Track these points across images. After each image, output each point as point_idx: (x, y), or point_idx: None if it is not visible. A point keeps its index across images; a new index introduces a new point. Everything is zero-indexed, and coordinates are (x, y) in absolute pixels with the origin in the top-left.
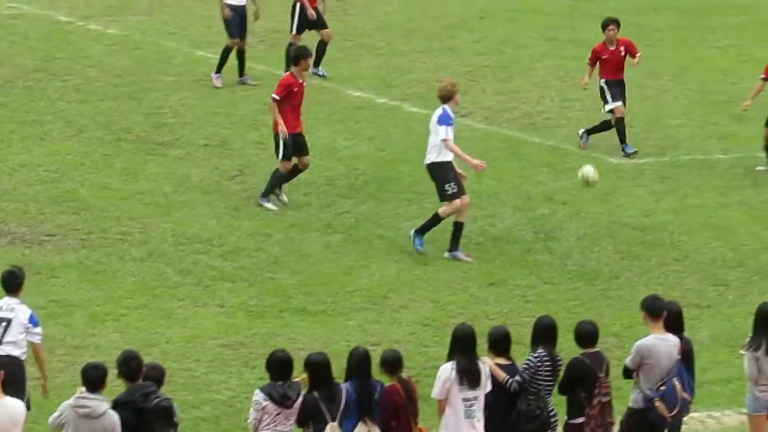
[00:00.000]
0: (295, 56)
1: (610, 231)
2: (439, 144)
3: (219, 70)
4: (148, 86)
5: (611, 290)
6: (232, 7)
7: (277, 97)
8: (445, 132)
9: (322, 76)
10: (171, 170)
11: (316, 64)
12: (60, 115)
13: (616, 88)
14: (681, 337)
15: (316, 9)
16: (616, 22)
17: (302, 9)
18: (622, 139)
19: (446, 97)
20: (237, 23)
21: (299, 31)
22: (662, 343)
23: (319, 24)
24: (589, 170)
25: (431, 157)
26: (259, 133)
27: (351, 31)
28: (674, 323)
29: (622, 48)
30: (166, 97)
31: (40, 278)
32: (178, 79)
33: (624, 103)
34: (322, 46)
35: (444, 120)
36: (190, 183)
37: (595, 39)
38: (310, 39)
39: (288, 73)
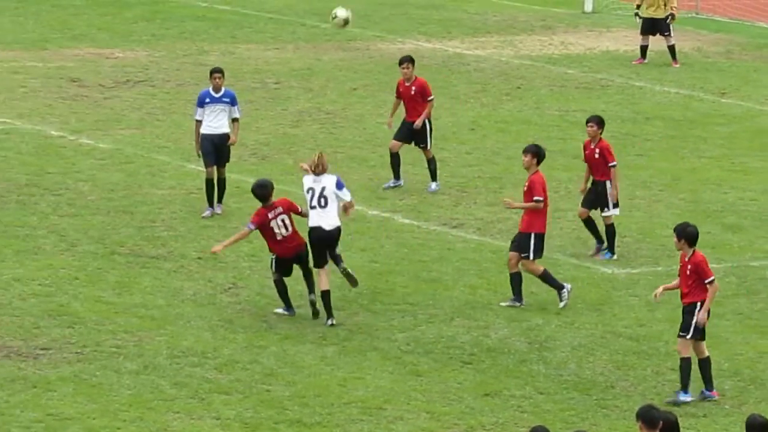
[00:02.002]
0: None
1: (604, 341)
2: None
3: (211, 203)
4: (140, 200)
5: (607, 400)
6: (204, 136)
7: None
8: (350, 194)
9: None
10: (165, 283)
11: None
12: (53, 229)
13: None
14: None
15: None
16: (597, 120)
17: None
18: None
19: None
20: (210, 151)
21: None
22: None
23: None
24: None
25: (339, 221)
26: (251, 245)
27: (341, 144)
28: None
29: (597, 150)
30: (159, 210)
31: (35, 392)
32: (170, 192)
33: (588, 208)
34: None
35: (343, 184)
36: (183, 296)
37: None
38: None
39: None
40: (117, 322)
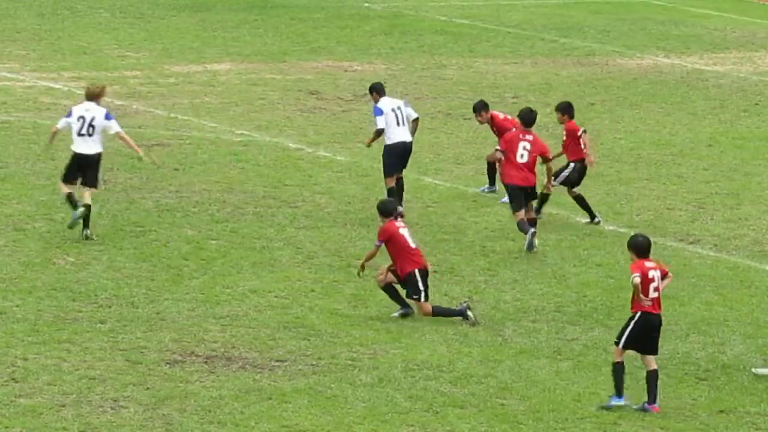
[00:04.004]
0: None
1: None
2: None
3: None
4: (376, 213)
5: None
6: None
7: None
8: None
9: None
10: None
11: None
12: (289, 242)
13: None
14: None
15: None
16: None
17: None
18: None
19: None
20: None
21: None
22: None
23: None
24: None
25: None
26: (487, 259)
27: None
28: None
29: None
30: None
31: (270, 404)
32: (405, 206)
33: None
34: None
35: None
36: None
37: None
38: None
39: None
40: (352, 335)
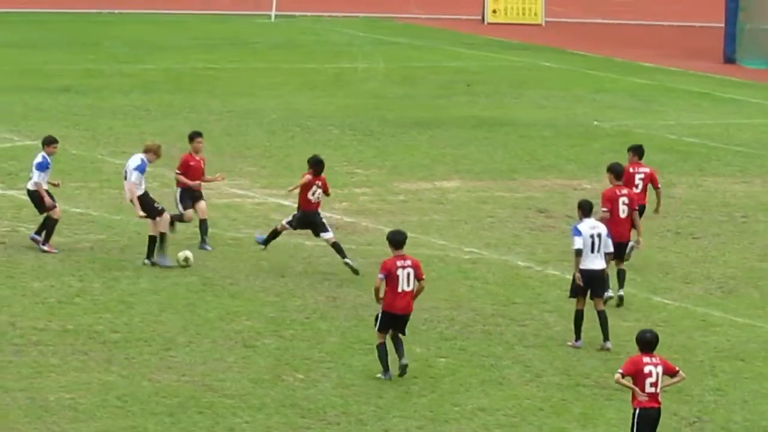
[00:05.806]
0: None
1: None
2: None
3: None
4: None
5: None
6: None
7: None
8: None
9: None
10: (630, 416)
11: None
12: (518, 360)
13: None
14: None
15: None
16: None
17: None
18: None
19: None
20: None
21: None
22: None
23: None
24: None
25: None
26: (717, 379)
27: None
28: None
29: None
30: (626, 342)
31: None
32: (635, 325)
33: None
34: None
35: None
36: None
37: None
38: None
39: None
40: None
